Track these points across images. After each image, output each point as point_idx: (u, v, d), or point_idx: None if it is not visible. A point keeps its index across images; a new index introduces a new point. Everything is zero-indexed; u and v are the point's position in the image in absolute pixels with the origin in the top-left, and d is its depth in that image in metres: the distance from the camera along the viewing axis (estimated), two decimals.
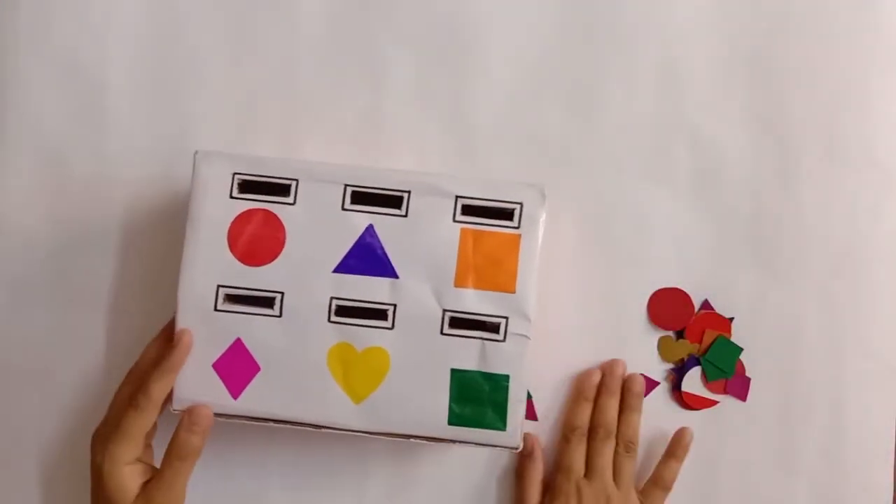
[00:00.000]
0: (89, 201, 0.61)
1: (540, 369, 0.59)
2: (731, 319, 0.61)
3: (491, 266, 0.52)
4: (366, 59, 0.61)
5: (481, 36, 0.61)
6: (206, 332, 0.52)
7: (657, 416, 0.60)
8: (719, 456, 0.61)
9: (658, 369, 0.61)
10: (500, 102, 0.61)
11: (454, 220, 0.52)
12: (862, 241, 0.61)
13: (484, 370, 0.52)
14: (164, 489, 0.51)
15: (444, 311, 0.52)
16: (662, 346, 0.61)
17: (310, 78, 0.61)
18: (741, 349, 0.61)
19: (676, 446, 0.60)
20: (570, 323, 0.59)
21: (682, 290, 0.61)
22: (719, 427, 0.61)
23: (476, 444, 0.52)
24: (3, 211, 0.61)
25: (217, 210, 0.52)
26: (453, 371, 0.52)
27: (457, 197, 0.52)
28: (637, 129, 0.61)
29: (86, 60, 0.61)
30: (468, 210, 0.52)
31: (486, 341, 0.52)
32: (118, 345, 0.61)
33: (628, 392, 0.60)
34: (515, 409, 0.52)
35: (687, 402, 0.60)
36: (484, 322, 0.52)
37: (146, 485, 0.51)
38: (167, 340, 0.53)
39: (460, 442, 0.52)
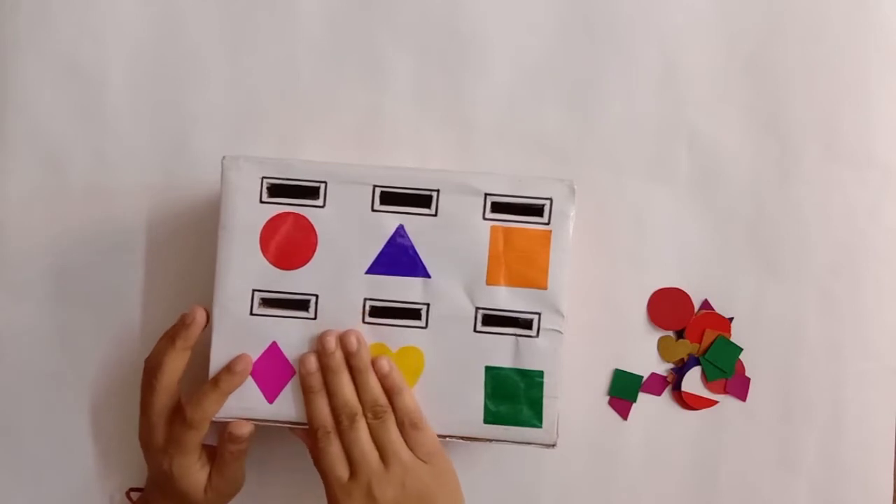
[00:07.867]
0: (89, 201, 0.61)
1: None
2: (731, 319, 0.61)
3: (522, 263, 0.53)
4: (366, 59, 0.62)
5: (481, 36, 0.62)
6: (241, 337, 0.53)
7: (657, 416, 0.60)
8: (719, 456, 0.61)
9: (658, 369, 0.61)
10: (500, 102, 0.61)
11: (484, 218, 0.53)
12: (861, 240, 0.62)
13: (518, 367, 0.53)
14: (226, 473, 0.54)
15: (477, 308, 0.53)
16: (662, 346, 0.61)
17: (310, 78, 0.61)
18: (741, 349, 0.61)
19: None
20: (570, 323, 0.59)
21: (682, 290, 0.61)
22: (719, 427, 0.61)
23: (512, 442, 0.54)
24: (1, 211, 0.60)
25: (248, 215, 0.53)
26: (488, 368, 0.53)
27: (486, 195, 0.53)
28: (637, 129, 0.61)
29: (86, 60, 0.61)
30: (497, 207, 0.53)
31: (519, 338, 0.53)
32: (117, 344, 0.61)
33: (349, 356, 0.52)
34: (550, 405, 0.53)
35: (687, 401, 0.61)
36: (517, 319, 0.53)
37: (211, 472, 0.54)
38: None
39: (496, 441, 0.54)
